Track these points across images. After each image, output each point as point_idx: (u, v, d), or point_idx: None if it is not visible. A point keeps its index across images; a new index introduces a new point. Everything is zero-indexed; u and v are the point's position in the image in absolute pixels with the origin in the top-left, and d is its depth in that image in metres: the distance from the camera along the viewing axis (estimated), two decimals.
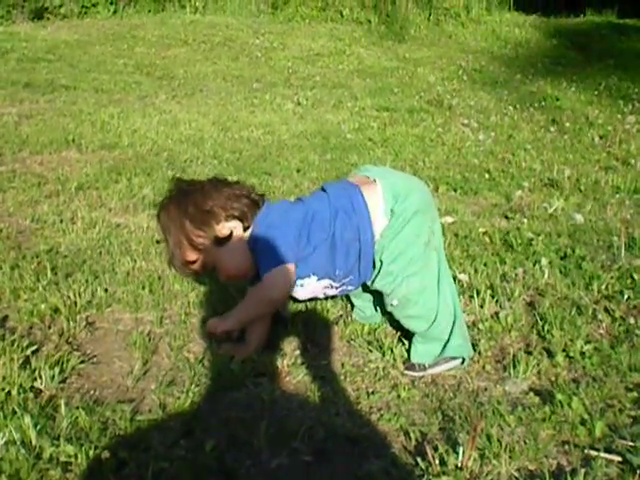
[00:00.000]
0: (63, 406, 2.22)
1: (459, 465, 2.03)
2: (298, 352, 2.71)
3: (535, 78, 10.22)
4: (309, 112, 7.57)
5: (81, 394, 2.39)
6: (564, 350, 2.72)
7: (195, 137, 6.28)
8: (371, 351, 2.73)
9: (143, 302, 3.08)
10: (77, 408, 2.22)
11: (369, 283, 2.65)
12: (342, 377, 2.57)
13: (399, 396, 2.44)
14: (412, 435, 2.21)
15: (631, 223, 4.31)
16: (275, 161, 5.68)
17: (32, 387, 2.37)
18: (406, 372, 2.62)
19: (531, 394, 2.46)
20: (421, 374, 2.60)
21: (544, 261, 3.54)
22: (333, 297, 2.93)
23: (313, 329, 2.89)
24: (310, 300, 2.85)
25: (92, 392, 2.42)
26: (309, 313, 2.99)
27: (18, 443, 2.03)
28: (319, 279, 2.62)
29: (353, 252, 2.60)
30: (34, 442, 2.04)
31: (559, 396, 2.36)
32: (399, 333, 2.83)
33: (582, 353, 2.71)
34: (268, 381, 2.50)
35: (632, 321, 2.97)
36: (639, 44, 13.04)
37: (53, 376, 2.43)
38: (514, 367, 2.61)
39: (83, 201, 4.46)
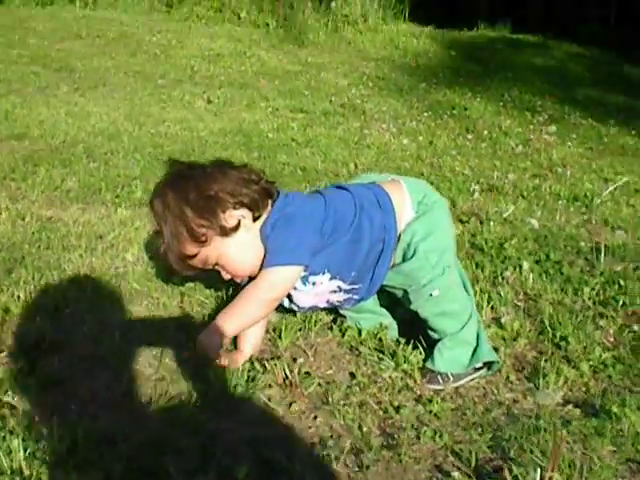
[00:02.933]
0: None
1: None
2: (302, 360, 2.39)
3: (439, 87, 10.14)
4: (223, 110, 7.21)
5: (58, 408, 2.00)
6: (583, 359, 2.50)
7: (109, 130, 5.83)
8: (382, 359, 2.43)
9: (103, 302, 2.69)
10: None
11: (397, 264, 2.37)
12: (357, 388, 2.26)
13: (430, 411, 2.16)
14: (463, 454, 1.92)
15: (591, 230, 4.18)
16: (201, 157, 5.28)
17: None
18: (428, 385, 2.33)
19: (569, 406, 2.22)
20: (443, 387, 2.32)
21: (525, 265, 3.33)
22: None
23: (308, 335, 2.58)
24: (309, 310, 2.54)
25: (72, 406, 2.03)
26: (300, 318, 2.66)
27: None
28: (331, 278, 2.32)
29: (374, 253, 2.35)
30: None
31: (614, 408, 2.12)
32: (406, 339, 2.55)
33: (602, 362, 2.50)
34: (279, 393, 2.18)
35: (636, 328, 2.78)
36: (534, 59, 13.23)
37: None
38: (543, 377, 2.36)
39: (3, 192, 3.99)
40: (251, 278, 2.32)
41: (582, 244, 3.79)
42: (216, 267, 2.33)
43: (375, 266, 2.36)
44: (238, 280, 2.36)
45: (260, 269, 2.27)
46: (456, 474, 1.83)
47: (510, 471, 1.81)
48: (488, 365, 2.39)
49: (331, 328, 2.64)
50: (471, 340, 2.37)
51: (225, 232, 2.24)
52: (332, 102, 8.25)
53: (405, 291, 2.36)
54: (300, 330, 2.59)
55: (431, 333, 2.41)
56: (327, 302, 2.43)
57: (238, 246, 2.27)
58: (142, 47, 10.00)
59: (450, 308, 2.34)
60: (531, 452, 1.90)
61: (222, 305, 2.69)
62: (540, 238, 3.87)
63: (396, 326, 2.65)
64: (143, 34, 10.70)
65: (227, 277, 2.35)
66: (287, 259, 2.21)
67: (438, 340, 2.39)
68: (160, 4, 12.30)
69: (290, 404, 2.12)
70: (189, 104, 7.31)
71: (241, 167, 2.36)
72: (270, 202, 2.32)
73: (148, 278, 2.92)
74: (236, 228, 2.25)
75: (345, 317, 2.65)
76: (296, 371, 2.27)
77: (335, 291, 2.38)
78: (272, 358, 2.37)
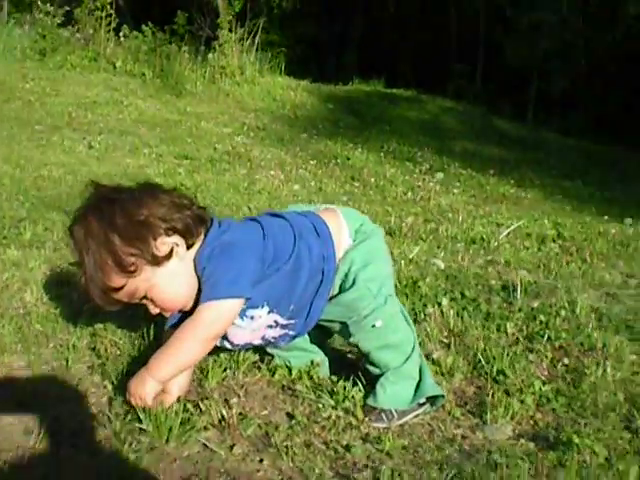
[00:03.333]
0: None
1: None
2: (234, 400, 2.19)
3: (320, 138, 10.17)
4: (105, 155, 6.96)
5: None
6: (524, 392, 2.40)
7: None
8: (320, 397, 2.26)
9: (5, 343, 2.43)
10: None
11: (335, 296, 2.22)
12: (299, 428, 2.08)
13: (382, 450, 2.00)
14: None
15: (496, 270, 4.15)
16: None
17: None
18: (373, 424, 2.16)
19: (522, 440, 2.11)
20: (389, 425, 2.16)
21: (445, 302, 3.25)
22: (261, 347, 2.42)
23: (235, 375, 2.38)
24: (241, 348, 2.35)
25: None
26: (225, 357, 2.45)
27: None
28: (269, 311, 2.15)
29: (312, 284, 2.19)
30: None
31: (575, 439, 2.02)
32: (340, 376, 2.39)
33: (544, 396, 2.41)
34: (217, 435, 1.98)
35: (567, 361, 2.72)
36: (408, 112, 13.52)
37: None
38: (491, 411, 2.24)
39: None
40: (183, 312, 2.13)
41: (493, 282, 3.75)
42: (143, 301, 2.11)
43: (313, 299, 2.20)
44: (167, 314, 2.15)
45: (195, 302, 2.08)
46: None
47: None
48: (431, 400, 2.25)
49: (259, 367, 2.46)
50: (414, 374, 2.24)
51: (157, 261, 2.03)
52: (216, 149, 8.12)
53: (344, 324, 2.21)
54: (227, 370, 2.39)
55: (372, 368, 2.27)
56: (262, 339, 2.24)
57: (170, 277, 2.06)
58: (15, 94, 9.60)
59: (393, 340, 2.21)
60: None
61: (138, 344, 2.48)
62: (450, 277, 3.80)
63: (327, 363, 2.49)
64: (16, 81, 10.29)
65: (155, 311, 2.13)
66: (228, 292, 2.01)
67: (379, 375, 2.24)
68: (32, 52, 11.87)
69: (231, 447, 1.93)
70: (70, 149, 7.02)
71: (171, 191, 2.16)
72: (203, 229, 2.14)
73: (52, 319, 2.68)
74: (168, 257, 2.05)
75: (272, 356, 2.48)
76: (233, 411, 2.07)
77: (272, 326, 2.20)
78: (202, 399, 2.16)
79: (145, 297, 2.09)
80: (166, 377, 2.05)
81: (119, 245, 1.99)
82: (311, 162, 8.18)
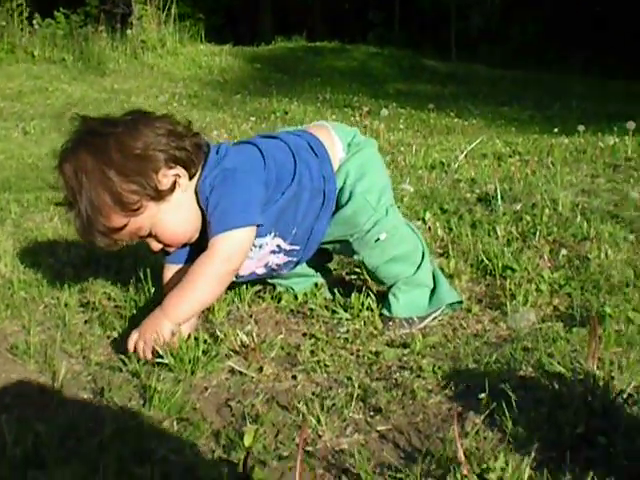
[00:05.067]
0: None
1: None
2: (248, 328, 2.09)
3: (254, 97, 10.04)
4: (42, 138, 6.76)
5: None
6: (535, 282, 2.35)
7: None
8: (335, 312, 2.18)
9: None
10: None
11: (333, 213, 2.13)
12: (322, 344, 1.99)
13: (412, 351, 1.93)
14: (478, 379, 1.72)
15: (465, 186, 4.10)
16: (41, 177, 4.87)
17: None
18: (395, 331, 2.08)
19: (549, 323, 2.06)
20: (410, 330, 2.09)
21: (428, 215, 3.20)
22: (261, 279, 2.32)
23: (239, 307, 2.29)
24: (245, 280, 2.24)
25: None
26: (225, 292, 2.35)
27: None
28: (274, 236, 2.05)
29: (314, 207, 2.08)
30: None
31: (608, 309, 1.98)
32: (351, 292, 2.30)
33: (555, 282, 2.37)
34: (242, 361, 1.89)
35: (565, 252, 2.68)
36: (336, 62, 13.42)
37: None
38: (509, 303, 2.19)
39: None
40: (186, 246, 2.03)
41: (467, 196, 3.71)
42: (146, 238, 1.99)
43: (314, 223, 2.10)
44: (171, 250, 2.03)
45: (201, 234, 1.98)
46: (483, 395, 1.60)
47: (546, 373, 1.62)
48: (449, 305, 2.19)
49: (262, 298, 2.36)
50: (427, 282, 2.17)
51: (160, 196, 1.90)
52: None
53: (347, 242, 2.12)
54: (231, 303, 2.30)
55: (381, 283, 2.20)
56: (265, 266, 2.13)
57: (175, 210, 1.94)
58: None
59: (400, 251, 2.12)
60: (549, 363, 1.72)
61: (132, 292, 2.36)
62: (425, 198, 3.74)
63: (327, 287, 2.40)
64: None
65: (158, 248, 2.01)
66: (239, 221, 1.89)
67: (391, 286, 2.17)
68: None
69: (260, 369, 1.85)
70: (5, 137, 6.82)
71: (164, 117, 2.01)
72: (203, 157, 2.00)
73: (35, 284, 2.53)
74: (172, 190, 1.92)
75: (274, 285, 2.38)
76: (253, 336, 1.98)
77: (275, 251, 2.09)
78: (213, 333, 2.07)
79: (149, 234, 1.97)
80: (183, 318, 1.91)
81: (118, 182, 1.85)
82: (251, 119, 8.06)
